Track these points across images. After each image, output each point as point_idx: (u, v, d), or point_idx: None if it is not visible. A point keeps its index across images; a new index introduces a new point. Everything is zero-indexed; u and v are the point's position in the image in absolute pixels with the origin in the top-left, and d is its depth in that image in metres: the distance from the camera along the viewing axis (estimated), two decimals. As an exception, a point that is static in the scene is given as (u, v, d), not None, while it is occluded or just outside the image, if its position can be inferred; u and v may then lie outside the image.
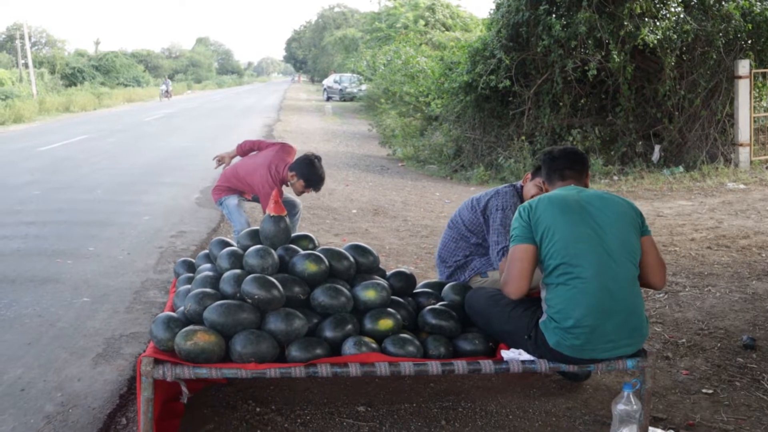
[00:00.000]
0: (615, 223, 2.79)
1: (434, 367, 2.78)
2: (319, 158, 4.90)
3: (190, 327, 2.78)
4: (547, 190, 3.15)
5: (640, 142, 11.22)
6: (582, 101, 11.44)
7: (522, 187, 3.80)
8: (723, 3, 10.75)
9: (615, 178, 10.44)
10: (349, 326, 2.94)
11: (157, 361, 2.68)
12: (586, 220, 2.78)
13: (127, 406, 3.30)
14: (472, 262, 3.79)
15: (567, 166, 3.08)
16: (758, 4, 10.77)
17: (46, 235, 6.82)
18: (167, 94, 41.62)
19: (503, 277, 2.95)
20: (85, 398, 3.35)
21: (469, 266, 3.79)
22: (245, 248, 3.26)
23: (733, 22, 10.56)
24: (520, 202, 3.67)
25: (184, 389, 2.78)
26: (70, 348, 3.99)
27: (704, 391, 3.40)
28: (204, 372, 2.70)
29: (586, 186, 3.08)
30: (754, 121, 10.93)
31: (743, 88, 10.66)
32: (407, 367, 2.77)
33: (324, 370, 2.73)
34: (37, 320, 4.44)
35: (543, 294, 2.86)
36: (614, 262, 2.73)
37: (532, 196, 3.59)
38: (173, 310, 3.16)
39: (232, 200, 5.37)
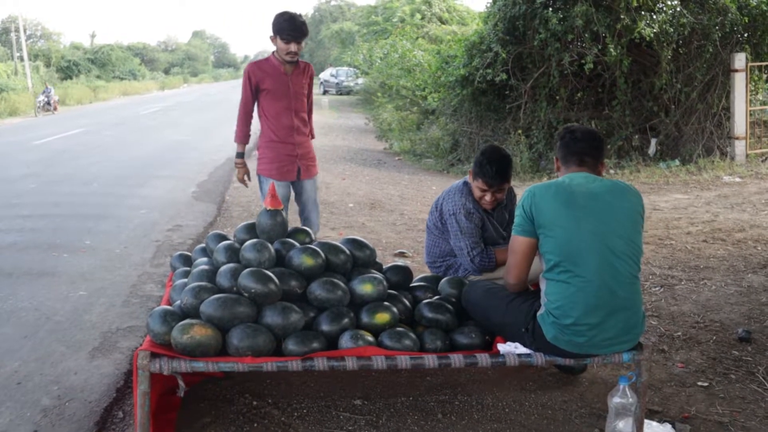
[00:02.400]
0: (622, 220, 2.74)
1: (431, 360, 2.79)
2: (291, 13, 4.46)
3: (187, 321, 2.78)
4: (558, 168, 3.03)
5: (637, 136, 11.23)
6: (578, 95, 11.43)
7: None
8: (719, -4, 10.75)
9: (611, 171, 10.45)
10: (346, 320, 2.95)
11: (153, 355, 2.68)
12: (592, 216, 2.72)
13: (124, 399, 3.31)
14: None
15: (587, 151, 2.92)
16: (754, -3, 10.78)
17: (43, 229, 6.81)
18: (49, 106, 27.32)
19: (506, 267, 2.96)
20: (82, 391, 3.36)
21: (462, 266, 3.77)
22: (242, 242, 3.26)
23: (730, 15, 10.54)
24: (470, 201, 3.64)
25: (181, 383, 2.79)
26: (67, 341, 3.99)
27: (700, 383, 3.41)
28: (201, 365, 2.70)
29: (599, 173, 2.97)
30: (750, 115, 10.94)
31: (739, 81, 10.67)
32: (404, 360, 2.77)
33: (321, 363, 2.74)
34: (33, 314, 4.44)
35: (542, 287, 2.85)
36: (617, 259, 2.70)
37: (478, 197, 3.60)
38: (170, 304, 3.16)
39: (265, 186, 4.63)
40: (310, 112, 4.78)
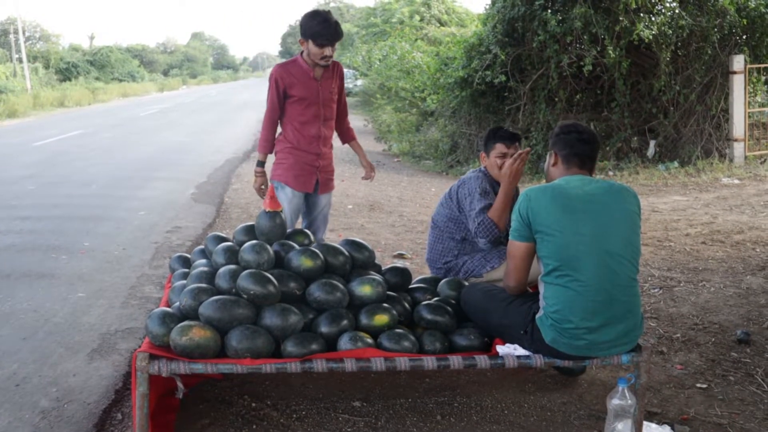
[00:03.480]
0: (619, 222, 2.74)
1: (430, 362, 2.79)
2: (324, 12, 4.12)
3: (186, 322, 2.78)
4: (554, 165, 2.97)
5: (636, 138, 11.23)
6: (577, 96, 11.43)
7: (485, 168, 3.79)
8: (718, -2, 10.76)
9: (610, 173, 10.46)
10: (345, 321, 2.95)
11: (152, 357, 2.68)
12: (589, 219, 2.71)
13: (123, 401, 3.31)
14: (465, 264, 3.77)
15: (591, 155, 2.91)
16: (753, -1, 10.79)
17: (42, 230, 6.81)
18: None
19: (505, 271, 2.96)
20: (81, 393, 3.35)
21: (462, 268, 3.76)
22: (241, 243, 3.26)
23: (728, 17, 10.56)
24: (486, 182, 3.70)
25: (180, 384, 2.79)
26: (66, 343, 3.99)
27: (698, 385, 3.41)
28: (199, 367, 2.70)
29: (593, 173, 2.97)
30: (749, 117, 10.94)
31: (738, 83, 10.68)
32: (403, 362, 2.77)
33: (319, 365, 2.74)
34: (32, 315, 4.44)
35: (541, 290, 2.85)
36: (615, 262, 2.70)
37: (499, 167, 3.67)
38: (169, 306, 3.16)
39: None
40: (345, 115, 4.50)
